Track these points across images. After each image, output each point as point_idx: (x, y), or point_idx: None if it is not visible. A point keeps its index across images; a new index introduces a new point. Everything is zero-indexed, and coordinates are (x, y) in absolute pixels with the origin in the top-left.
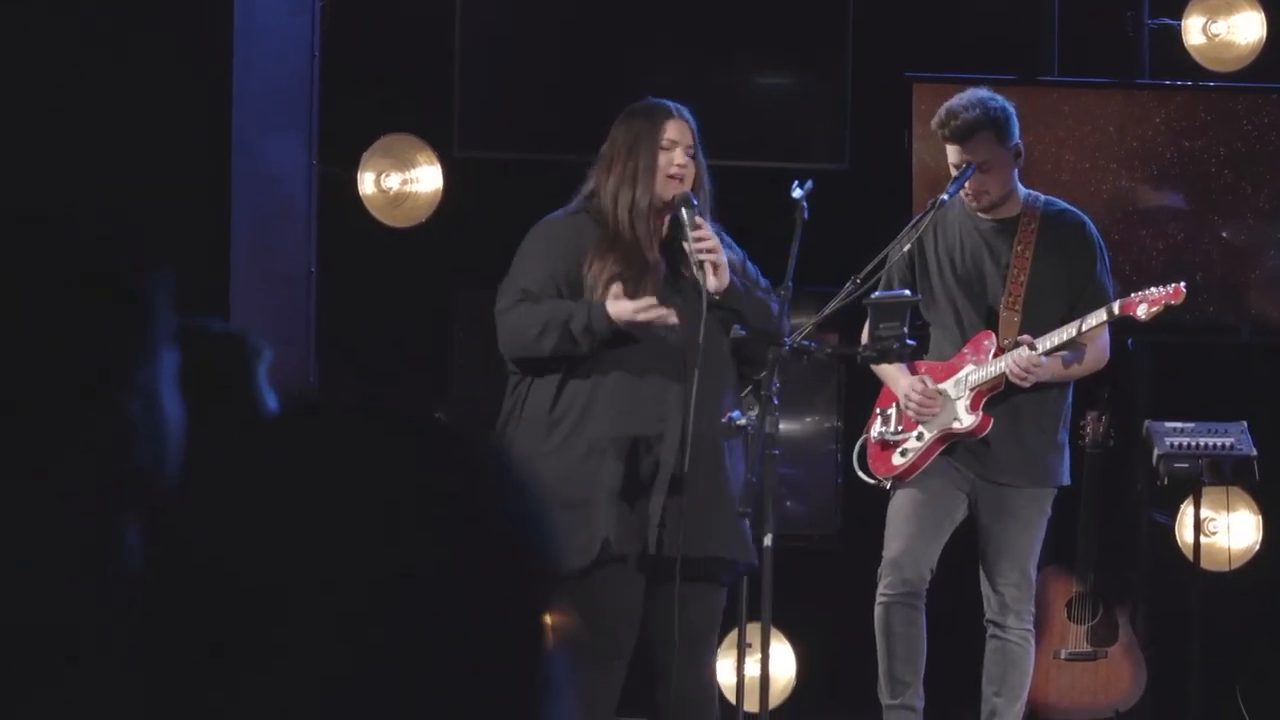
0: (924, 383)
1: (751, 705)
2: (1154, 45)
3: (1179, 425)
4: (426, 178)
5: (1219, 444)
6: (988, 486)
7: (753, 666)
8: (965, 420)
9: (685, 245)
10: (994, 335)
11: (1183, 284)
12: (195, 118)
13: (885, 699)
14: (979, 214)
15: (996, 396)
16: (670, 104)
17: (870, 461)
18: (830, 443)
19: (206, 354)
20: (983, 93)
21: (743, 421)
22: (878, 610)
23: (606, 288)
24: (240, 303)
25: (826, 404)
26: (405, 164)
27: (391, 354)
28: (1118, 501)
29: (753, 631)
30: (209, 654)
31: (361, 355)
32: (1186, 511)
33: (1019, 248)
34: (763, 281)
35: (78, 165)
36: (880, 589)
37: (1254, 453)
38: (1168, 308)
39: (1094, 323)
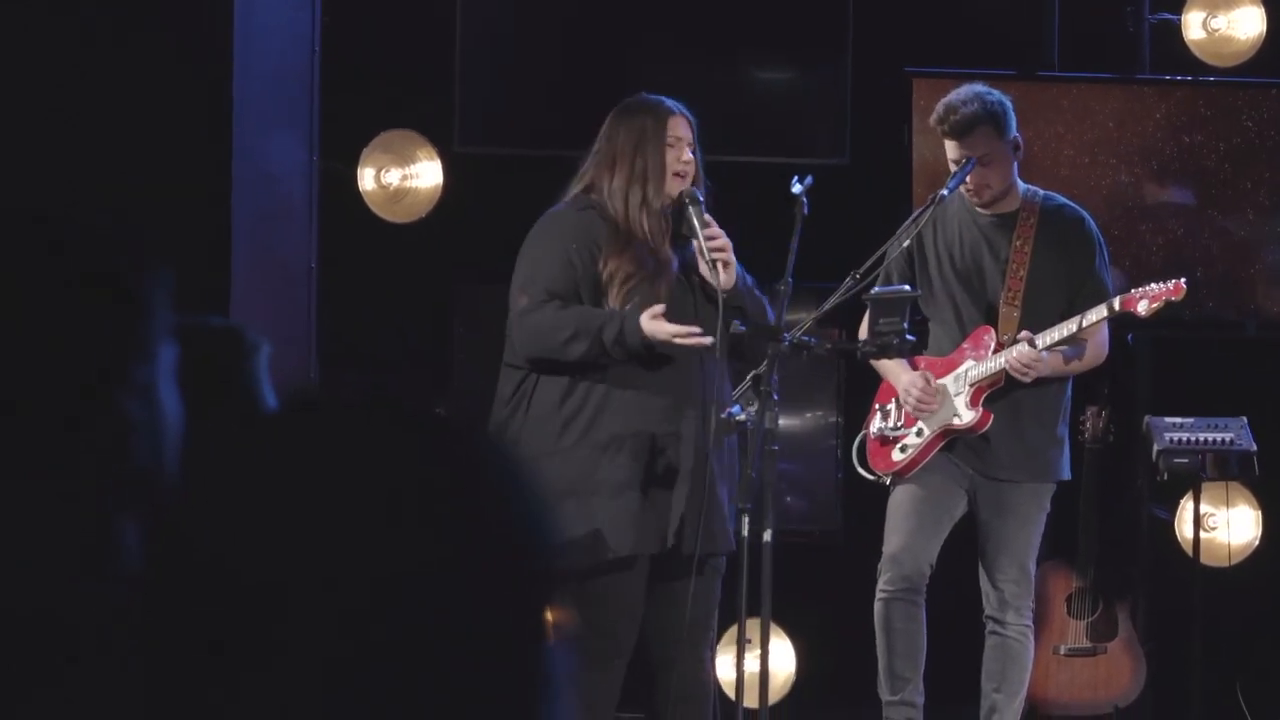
0: (925, 379)
1: (751, 701)
2: (1154, 40)
3: (1179, 421)
4: (426, 173)
5: (1219, 439)
6: (987, 482)
7: (752, 662)
8: (965, 416)
9: (696, 243)
10: (994, 331)
11: (1183, 280)
12: (195, 114)
13: (885, 695)
14: (978, 209)
15: (996, 392)
16: (670, 101)
17: (870, 457)
18: (830, 438)
19: (205, 349)
20: (979, 87)
21: (742, 417)
22: (877, 606)
23: (623, 286)
24: (241, 299)
25: (826, 399)
26: (405, 160)
27: (392, 349)
28: (1117, 497)
29: (752, 627)
30: (210, 652)
31: (362, 351)
32: (1186, 507)
33: (1018, 243)
34: (748, 278)
35: (77, 164)
36: (880, 585)
37: (1254, 448)
38: (1168, 303)
39: (1094, 318)
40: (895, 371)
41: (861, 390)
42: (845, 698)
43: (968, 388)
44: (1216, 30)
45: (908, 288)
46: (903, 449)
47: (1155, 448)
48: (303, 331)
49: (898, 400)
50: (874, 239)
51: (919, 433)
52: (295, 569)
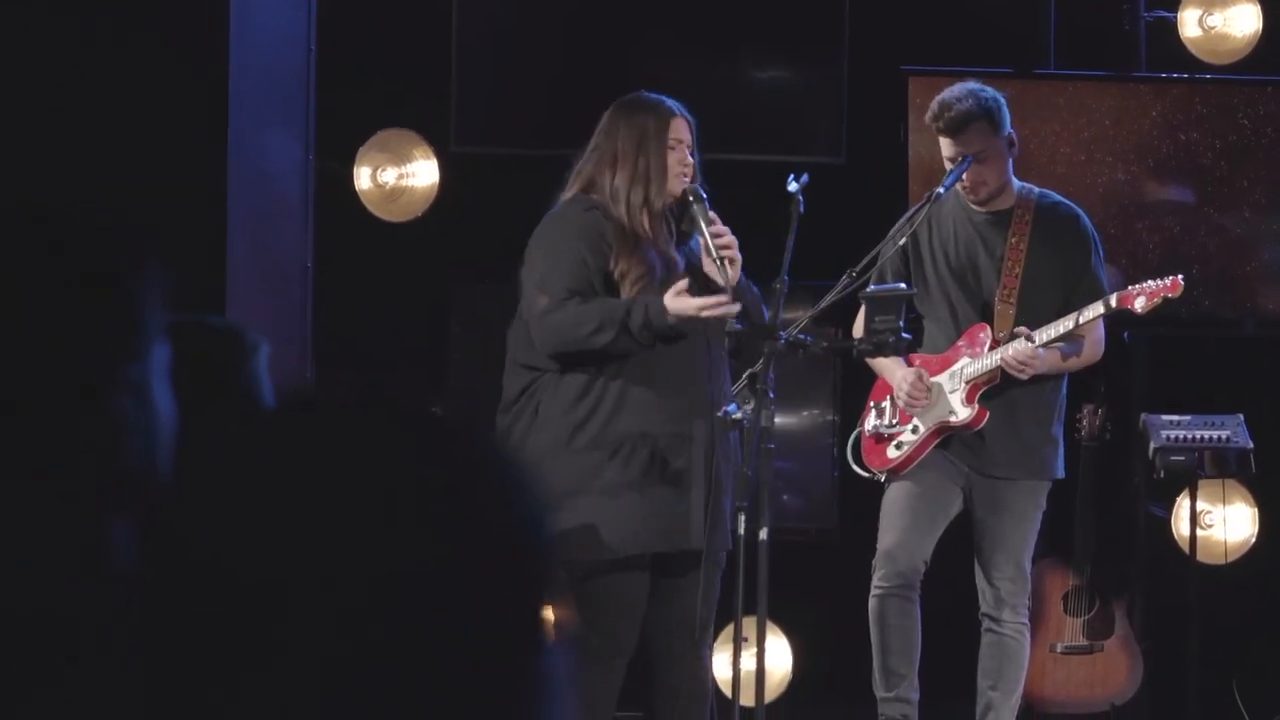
0: (918, 374)
1: (747, 699)
2: (1150, 38)
3: (1175, 418)
4: (423, 172)
5: (1215, 437)
6: (983, 480)
7: (749, 660)
8: (960, 413)
9: (701, 240)
10: (989, 328)
11: (1180, 276)
12: (192, 113)
13: (880, 691)
14: (973, 206)
15: (992, 390)
16: (670, 101)
17: (865, 454)
18: (826, 436)
19: (205, 348)
20: (973, 84)
21: (738, 415)
22: (872, 603)
23: (634, 286)
24: (237, 298)
25: (823, 398)
26: (401, 159)
27: (388, 348)
28: (1114, 495)
29: (749, 625)
30: (209, 652)
31: (358, 350)
32: (1183, 504)
33: (1013, 240)
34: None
35: (74, 163)
36: (874, 581)
37: (1250, 445)
38: (1165, 300)
39: (1091, 315)
40: (891, 369)
41: (858, 388)
42: (841, 695)
43: (963, 384)
44: (1212, 28)
45: (903, 286)
46: (898, 446)
47: (1152, 445)
48: (299, 331)
49: (893, 398)
50: (870, 237)
51: (914, 430)
52: (293, 568)
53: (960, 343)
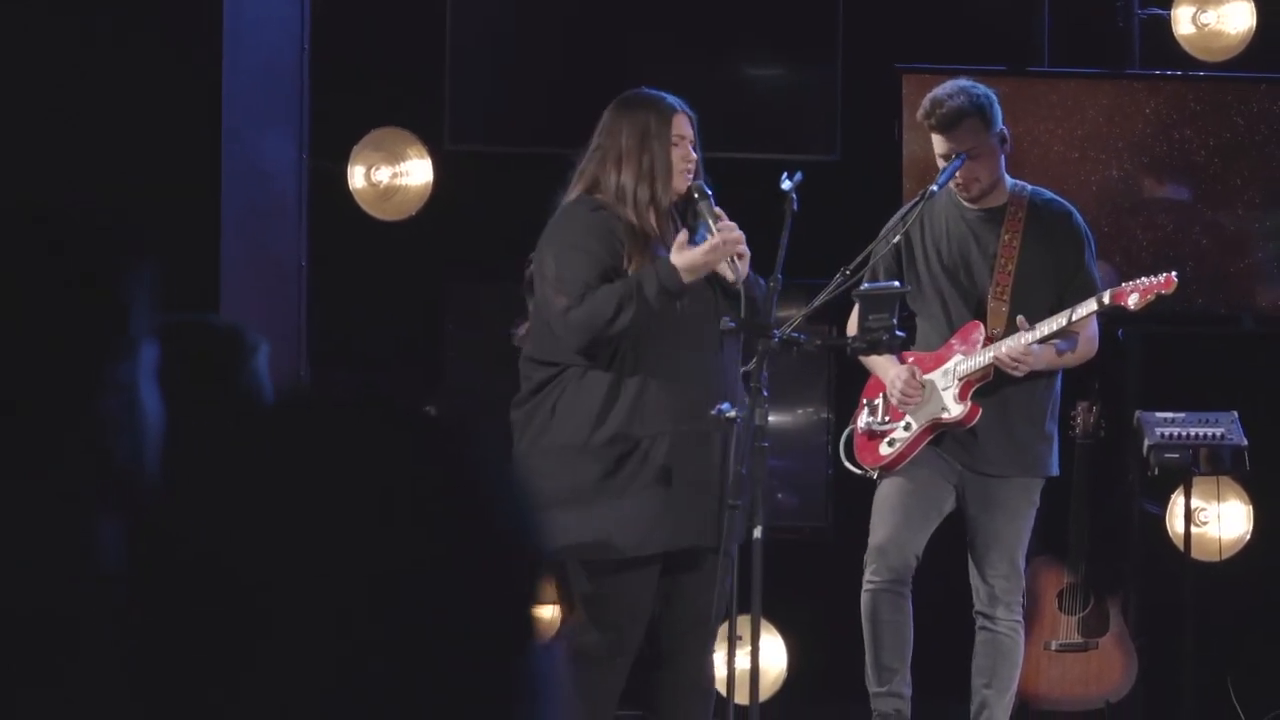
0: (911, 372)
1: (742, 698)
2: (1144, 35)
3: (1169, 415)
4: (417, 171)
5: (1210, 434)
6: (976, 477)
7: (743, 659)
8: (953, 410)
9: (710, 237)
10: (983, 326)
11: (1174, 273)
12: (186, 113)
13: (873, 687)
14: (966, 204)
15: (985, 387)
16: (671, 97)
17: (857, 452)
18: (821, 435)
19: (205, 348)
20: (964, 81)
21: (733, 414)
22: (864, 598)
23: None
24: (231, 297)
25: (817, 396)
26: (395, 157)
27: (383, 347)
28: (1108, 492)
29: (743, 624)
30: (209, 652)
31: (353, 349)
32: (1177, 502)
33: (1006, 237)
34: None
35: (68, 161)
36: (866, 576)
37: (1245, 443)
38: (1159, 297)
39: (1084, 312)
40: (885, 367)
41: (852, 387)
42: (836, 693)
43: (956, 382)
44: (1206, 25)
45: (897, 284)
46: (890, 443)
47: (1146, 443)
48: (293, 330)
49: (885, 395)
50: (864, 235)
51: (906, 427)
52: (292, 568)
53: (953, 340)
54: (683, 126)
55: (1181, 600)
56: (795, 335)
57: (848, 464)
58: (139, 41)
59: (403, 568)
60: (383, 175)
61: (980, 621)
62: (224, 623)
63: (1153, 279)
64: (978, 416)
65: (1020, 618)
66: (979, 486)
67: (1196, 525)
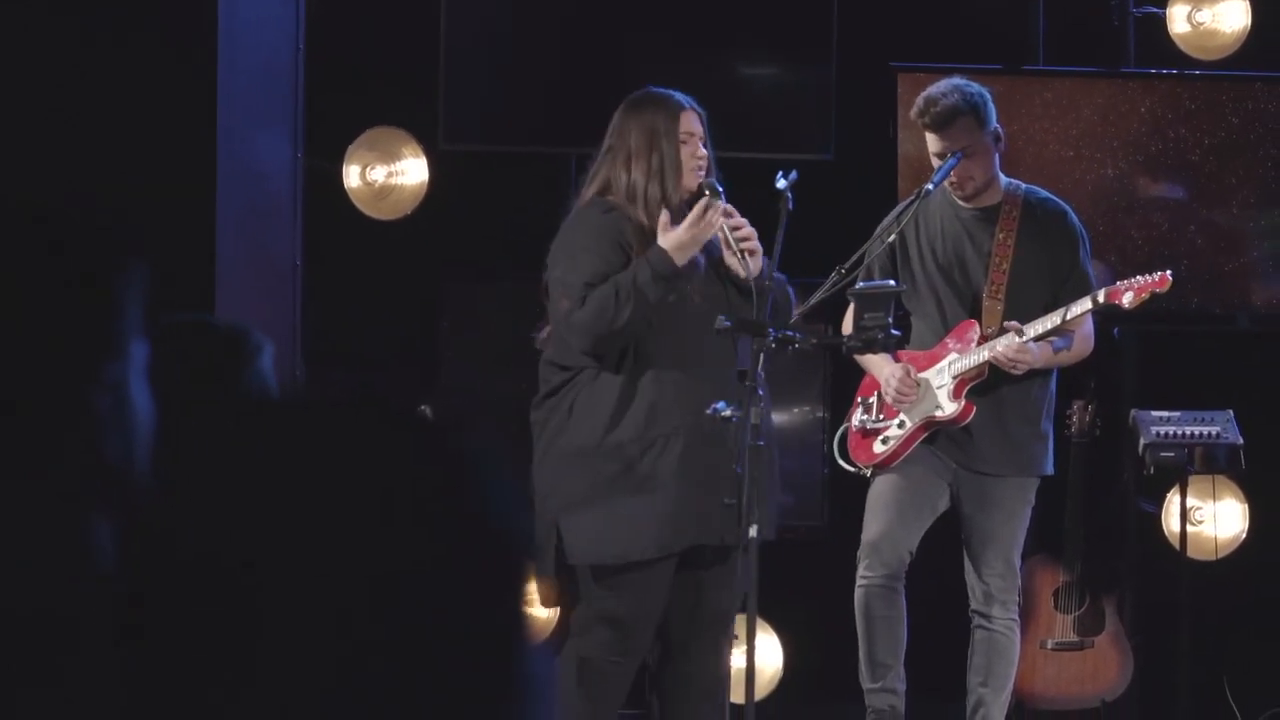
0: (906, 370)
1: (738, 697)
2: (1139, 34)
3: (1165, 414)
4: (412, 170)
5: (1205, 433)
6: (970, 476)
7: (739, 658)
8: (948, 408)
9: (721, 234)
10: (978, 324)
11: (1168, 272)
12: (180, 112)
13: (866, 683)
14: (960, 203)
15: (980, 386)
16: (680, 95)
17: (851, 450)
18: (817, 434)
19: (208, 349)
20: (958, 80)
21: (729, 413)
22: (857, 594)
23: None
24: (227, 297)
25: (812, 395)
26: (390, 157)
27: (378, 347)
28: (1104, 491)
29: (739, 623)
30: (209, 652)
31: (348, 349)
32: (1173, 500)
33: (1000, 236)
34: (778, 274)
35: (63, 161)
36: (859, 572)
37: (1240, 441)
38: (1154, 296)
39: (1078, 311)
40: (879, 365)
41: (848, 386)
42: (831, 692)
43: (951, 380)
44: (1201, 24)
45: (892, 283)
46: (884, 441)
47: (1142, 441)
48: (288, 329)
49: (880, 394)
50: (859, 234)
51: (900, 425)
52: (291, 568)
53: (948, 339)
54: (691, 124)
55: (1177, 599)
56: (791, 334)
57: (842, 462)
58: (135, 42)
59: (401, 568)
60: (378, 175)
61: (976, 620)
62: (223, 623)
63: (1148, 278)
64: (972, 415)
65: (1016, 616)
66: (974, 485)
67: (1192, 524)
